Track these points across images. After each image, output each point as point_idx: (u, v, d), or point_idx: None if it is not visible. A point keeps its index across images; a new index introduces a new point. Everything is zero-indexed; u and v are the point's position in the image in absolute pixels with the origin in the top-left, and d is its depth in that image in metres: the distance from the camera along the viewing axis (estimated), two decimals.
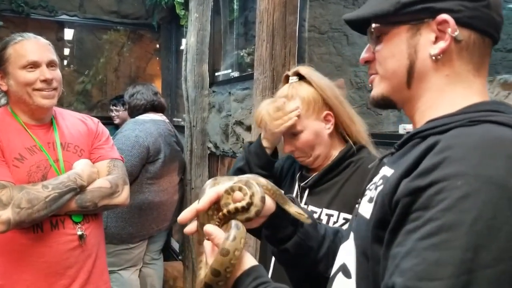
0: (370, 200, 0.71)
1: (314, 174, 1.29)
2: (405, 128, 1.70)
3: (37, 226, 1.47)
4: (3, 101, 1.60)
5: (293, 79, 1.30)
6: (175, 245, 4.44)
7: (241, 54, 3.34)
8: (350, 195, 1.18)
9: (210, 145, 3.43)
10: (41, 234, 1.48)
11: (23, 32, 1.60)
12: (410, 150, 0.67)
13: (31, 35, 1.58)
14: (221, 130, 3.17)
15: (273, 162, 1.40)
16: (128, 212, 2.54)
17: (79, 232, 1.54)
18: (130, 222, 2.59)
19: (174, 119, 4.95)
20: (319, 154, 1.27)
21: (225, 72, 3.50)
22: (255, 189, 0.77)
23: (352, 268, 0.73)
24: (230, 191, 0.77)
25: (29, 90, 1.50)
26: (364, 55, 0.76)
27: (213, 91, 3.44)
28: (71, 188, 1.47)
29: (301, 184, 1.30)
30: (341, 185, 1.23)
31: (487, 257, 0.50)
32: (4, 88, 1.54)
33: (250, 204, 0.76)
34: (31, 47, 1.53)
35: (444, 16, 0.65)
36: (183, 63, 3.58)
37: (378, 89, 0.74)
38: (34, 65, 1.50)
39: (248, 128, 2.61)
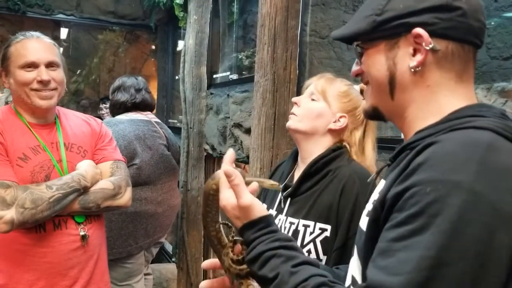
0: (368, 214, 0.74)
1: (294, 183, 1.26)
2: None
3: (39, 226, 1.46)
4: (11, 98, 1.59)
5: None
6: (168, 246, 4.41)
7: (240, 57, 3.35)
8: (325, 205, 1.17)
9: (207, 147, 3.43)
10: (43, 234, 1.47)
11: (26, 31, 1.58)
12: (401, 162, 0.69)
13: (34, 34, 1.56)
14: (218, 132, 3.18)
15: None
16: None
17: (82, 233, 1.52)
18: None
19: (169, 120, 4.94)
20: (305, 130, 1.24)
21: (224, 74, 3.51)
22: None
23: (359, 280, 0.75)
24: (233, 243, 0.82)
25: (26, 90, 1.49)
26: (353, 68, 0.81)
27: (211, 93, 3.44)
28: (75, 189, 1.47)
29: (283, 194, 1.26)
30: (318, 195, 1.20)
31: (450, 256, 0.54)
32: (7, 86, 1.54)
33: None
34: (31, 46, 1.51)
35: (418, 30, 0.67)
36: (181, 65, 3.57)
37: (369, 100, 0.78)
38: (33, 65, 1.49)
39: (247, 131, 2.61)
